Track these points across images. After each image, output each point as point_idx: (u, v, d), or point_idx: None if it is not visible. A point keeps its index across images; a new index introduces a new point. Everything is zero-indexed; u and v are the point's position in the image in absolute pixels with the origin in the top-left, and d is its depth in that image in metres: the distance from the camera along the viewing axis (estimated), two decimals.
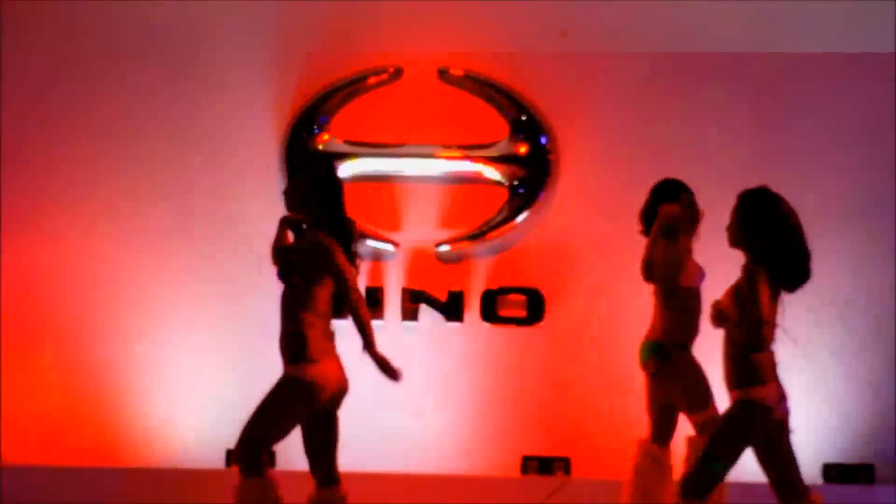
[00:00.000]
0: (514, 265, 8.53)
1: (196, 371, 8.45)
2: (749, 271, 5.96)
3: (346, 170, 8.42)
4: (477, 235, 8.49)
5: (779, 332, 5.95)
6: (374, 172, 8.54)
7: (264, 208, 8.37)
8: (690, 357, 6.60)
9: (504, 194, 8.53)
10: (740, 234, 6.05)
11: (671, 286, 6.60)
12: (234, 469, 5.81)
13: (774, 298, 5.89)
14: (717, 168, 8.25)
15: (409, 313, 8.42)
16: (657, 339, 6.61)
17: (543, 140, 8.49)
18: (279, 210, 8.31)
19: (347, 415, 5.70)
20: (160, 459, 8.33)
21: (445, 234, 8.52)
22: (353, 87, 8.53)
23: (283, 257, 6.02)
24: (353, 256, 6.03)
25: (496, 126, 8.54)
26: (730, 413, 5.79)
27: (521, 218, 8.49)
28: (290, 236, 6.11)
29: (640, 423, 6.69)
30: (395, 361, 5.71)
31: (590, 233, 8.54)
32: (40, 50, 8.69)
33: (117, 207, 8.61)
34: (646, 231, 6.71)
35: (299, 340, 5.78)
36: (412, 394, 8.24)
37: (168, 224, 8.55)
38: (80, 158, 8.65)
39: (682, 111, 8.54)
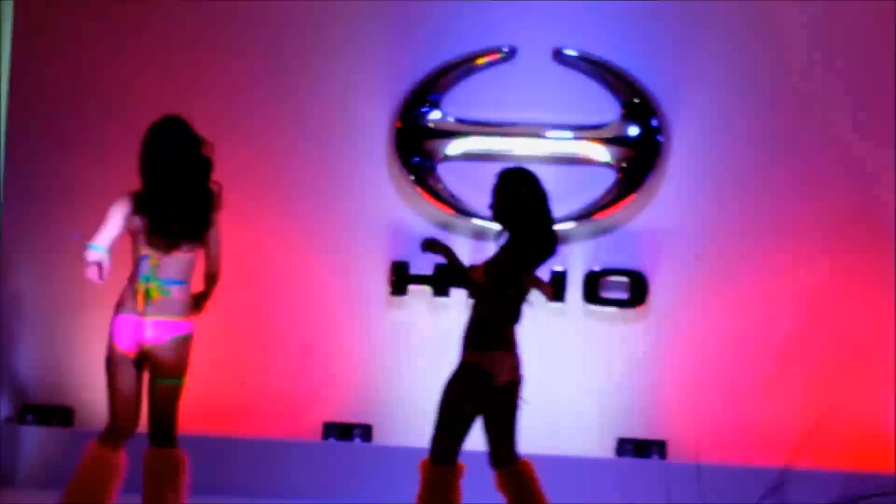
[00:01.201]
0: (618, 247, 8.53)
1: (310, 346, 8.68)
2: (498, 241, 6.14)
3: (455, 147, 8.57)
4: (583, 216, 8.49)
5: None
6: (484, 151, 8.56)
7: (375, 187, 8.50)
8: None
9: (613, 176, 8.52)
10: (496, 209, 6.20)
11: None
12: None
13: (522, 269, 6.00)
14: (846, 156, 8.35)
15: None
16: None
17: (655, 122, 8.46)
18: (389, 189, 8.47)
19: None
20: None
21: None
22: (466, 66, 8.57)
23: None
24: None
25: (608, 107, 8.53)
26: (453, 374, 5.96)
27: (628, 200, 8.48)
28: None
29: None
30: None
31: (697, 216, 8.54)
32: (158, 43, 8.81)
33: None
34: None
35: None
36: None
37: (280, 206, 8.64)
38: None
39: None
